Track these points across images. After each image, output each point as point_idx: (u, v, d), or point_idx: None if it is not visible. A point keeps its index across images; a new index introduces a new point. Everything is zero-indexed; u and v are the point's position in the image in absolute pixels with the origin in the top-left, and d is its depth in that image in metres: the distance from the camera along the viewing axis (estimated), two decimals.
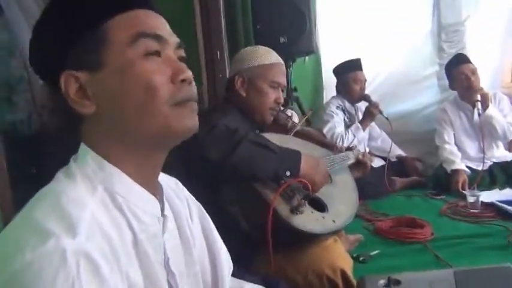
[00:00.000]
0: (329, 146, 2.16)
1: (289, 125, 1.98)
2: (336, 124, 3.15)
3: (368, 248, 1.99)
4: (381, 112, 3.13)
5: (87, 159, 0.67)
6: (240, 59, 1.75)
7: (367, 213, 2.55)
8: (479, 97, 2.94)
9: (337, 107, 3.27)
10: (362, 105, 3.36)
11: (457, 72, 3.06)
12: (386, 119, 3.11)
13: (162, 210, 0.74)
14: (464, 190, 2.76)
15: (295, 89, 3.28)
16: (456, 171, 2.93)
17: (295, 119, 2.26)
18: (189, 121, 0.69)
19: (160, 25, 0.70)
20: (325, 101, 3.63)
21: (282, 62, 1.74)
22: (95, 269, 0.54)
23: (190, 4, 2.78)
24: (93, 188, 0.64)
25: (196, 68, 2.72)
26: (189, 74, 0.69)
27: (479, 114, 2.93)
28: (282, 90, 1.72)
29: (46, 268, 0.51)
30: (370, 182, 2.82)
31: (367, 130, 3.28)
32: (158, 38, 0.68)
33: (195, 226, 0.88)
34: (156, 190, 0.74)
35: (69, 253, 0.52)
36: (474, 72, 3.01)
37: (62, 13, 0.66)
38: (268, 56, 1.70)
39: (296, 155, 1.44)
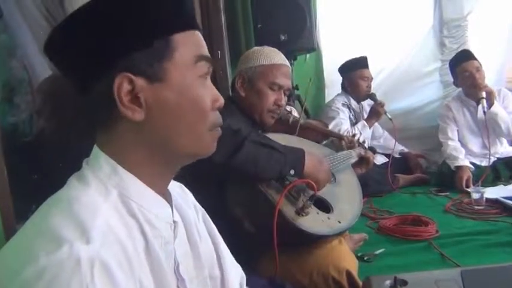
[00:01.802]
0: (334, 135, 2.15)
1: (291, 120, 1.97)
2: (341, 121, 3.14)
3: (373, 246, 1.98)
4: (384, 112, 3.12)
5: (100, 163, 0.66)
6: (243, 59, 1.73)
7: (371, 211, 2.54)
8: (484, 94, 2.91)
9: (343, 104, 3.27)
10: (366, 105, 3.36)
11: (461, 69, 3.03)
12: (390, 119, 3.10)
13: (172, 215, 0.74)
14: (468, 187, 2.75)
15: (297, 87, 3.27)
16: (460, 168, 2.92)
17: (295, 114, 2.26)
18: (214, 145, 0.75)
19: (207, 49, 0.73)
20: (327, 98, 3.63)
21: (287, 64, 1.70)
22: (109, 275, 0.53)
23: None
24: (107, 192, 0.64)
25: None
26: (223, 100, 0.74)
27: (484, 112, 2.90)
28: (285, 93, 1.69)
29: (60, 275, 0.50)
30: (374, 179, 2.83)
31: (371, 128, 3.28)
32: (210, 61, 0.71)
33: (202, 230, 0.88)
34: (166, 196, 0.74)
35: (83, 259, 0.52)
36: (478, 69, 2.97)
37: (136, 13, 0.64)
38: (271, 56, 1.66)
39: (300, 153, 1.43)
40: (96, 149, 0.68)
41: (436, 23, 3.60)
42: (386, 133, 3.47)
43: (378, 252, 1.92)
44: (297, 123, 1.94)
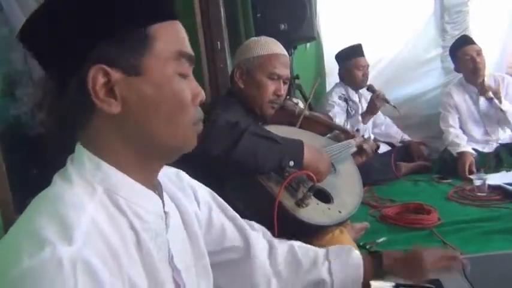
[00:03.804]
0: (338, 128, 2.15)
1: (297, 111, 1.97)
2: (336, 114, 3.10)
3: (374, 235, 1.97)
4: (387, 101, 3.06)
5: (83, 160, 0.65)
6: (241, 50, 1.73)
7: (373, 200, 2.53)
8: (491, 94, 2.90)
9: (340, 97, 3.24)
10: (366, 92, 3.34)
11: (462, 53, 3.01)
12: (394, 107, 3.07)
13: (163, 207, 0.74)
14: (471, 173, 2.74)
15: (297, 77, 3.26)
16: (462, 154, 2.91)
17: (302, 106, 2.26)
18: (195, 140, 0.74)
19: (189, 43, 0.71)
20: (327, 87, 3.61)
21: (285, 53, 1.70)
22: (93, 274, 0.53)
23: None
24: (92, 189, 0.63)
25: (197, 59, 2.67)
26: (204, 96, 0.73)
27: (501, 110, 2.90)
28: (285, 82, 1.68)
29: (43, 277, 0.51)
30: (376, 168, 2.82)
31: (371, 119, 3.27)
32: (191, 60, 0.70)
33: (206, 210, 0.89)
34: (155, 187, 0.74)
35: (65, 261, 0.52)
36: (479, 53, 2.96)
37: (111, 1, 0.62)
38: (268, 46, 1.66)
39: (299, 144, 1.43)
40: (78, 146, 0.67)
41: (437, 9, 3.57)
42: (388, 119, 3.45)
43: (379, 240, 1.92)
44: (302, 114, 1.94)
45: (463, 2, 3.49)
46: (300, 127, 1.86)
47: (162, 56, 0.65)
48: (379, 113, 3.40)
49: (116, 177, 0.66)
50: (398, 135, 3.41)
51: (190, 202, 0.85)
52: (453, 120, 3.11)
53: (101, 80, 0.62)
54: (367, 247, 1.87)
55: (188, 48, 0.70)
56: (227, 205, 0.95)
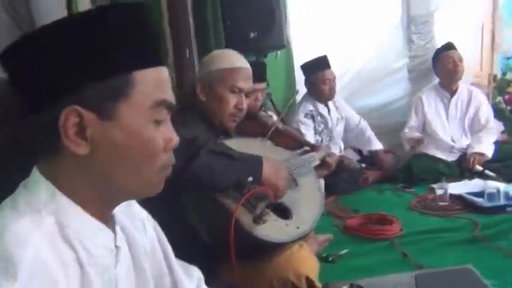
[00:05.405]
0: (309, 145, 2.16)
1: (270, 123, 1.98)
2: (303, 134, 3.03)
3: (338, 246, 2.00)
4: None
5: (39, 188, 0.64)
6: (203, 64, 1.72)
7: (338, 210, 2.56)
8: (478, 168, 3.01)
9: (306, 114, 3.15)
10: (335, 103, 3.31)
11: (445, 56, 3.19)
12: (363, 166, 3.13)
13: (115, 240, 0.72)
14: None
15: (268, 85, 3.26)
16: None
17: (275, 119, 2.28)
18: (161, 185, 0.72)
19: (170, 89, 0.70)
20: (298, 97, 3.61)
21: (247, 66, 1.68)
22: None
23: (157, 1, 2.71)
24: (40, 219, 0.61)
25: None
26: (177, 141, 0.71)
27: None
28: (247, 96, 1.68)
29: None
30: (344, 178, 2.85)
31: (342, 124, 3.28)
32: (170, 107, 0.69)
33: (151, 243, 0.87)
34: (109, 220, 0.73)
35: None
36: (461, 59, 3.18)
37: (94, 46, 0.62)
38: (229, 59, 1.64)
39: (257, 161, 1.43)
40: (36, 173, 0.66)
41: (403, 19, 3.65)
42: (363, 123, 3.37)
43: (342, 252, 1.94)
44: (274, 126, 1.94)
45: (428, 12, 3.59)
46: (270, 139, 1.86)
47: (138, 104, 0.65)
48: (355, 116, 3.39)
49: (69, 209, 0.64)
50: (369, 145, 3.36)
51: (140, 234, 0.83)
52: (410, 127, 3.31)
53: (74, 119, 0.61)
54: (330, 259, 1.90)
55: (169, 96, 0.68)
56: (166, 242, 0.92)
